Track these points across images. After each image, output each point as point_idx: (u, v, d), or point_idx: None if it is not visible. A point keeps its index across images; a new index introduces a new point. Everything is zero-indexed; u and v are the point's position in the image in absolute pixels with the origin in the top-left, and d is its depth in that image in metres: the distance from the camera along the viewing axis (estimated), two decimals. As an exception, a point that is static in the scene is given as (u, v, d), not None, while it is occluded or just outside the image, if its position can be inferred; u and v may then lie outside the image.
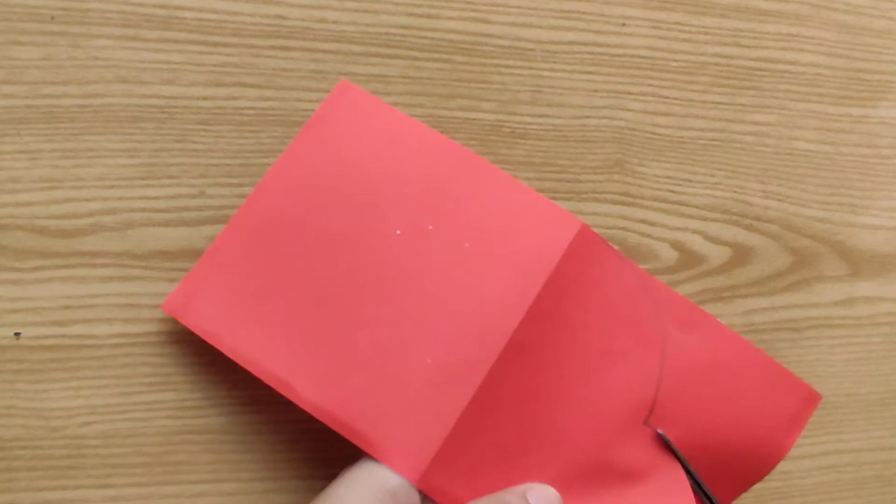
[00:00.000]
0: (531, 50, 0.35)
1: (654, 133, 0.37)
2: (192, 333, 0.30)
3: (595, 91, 0.36)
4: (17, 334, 0.29)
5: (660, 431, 0.31)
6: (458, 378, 0.29)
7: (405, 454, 0.28)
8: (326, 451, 0.32)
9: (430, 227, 0.31)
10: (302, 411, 0.29)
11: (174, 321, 0.31)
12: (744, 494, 0.36)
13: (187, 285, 0.30)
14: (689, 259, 0.37)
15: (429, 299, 0.30)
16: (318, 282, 0.30)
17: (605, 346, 0.31)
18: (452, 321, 0.30)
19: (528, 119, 0.35)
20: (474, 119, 0.34)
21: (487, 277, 0.30)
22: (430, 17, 0.34)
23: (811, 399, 0.33)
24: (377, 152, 0.31)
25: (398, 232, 0.31)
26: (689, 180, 0.37)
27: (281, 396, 0.29)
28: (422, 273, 0.30)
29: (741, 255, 0.37)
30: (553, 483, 0.30)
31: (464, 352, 0.30)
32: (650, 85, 0.37)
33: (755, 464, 0.32)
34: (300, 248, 0.30)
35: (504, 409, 0.30)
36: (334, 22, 0.33)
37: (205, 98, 0.31)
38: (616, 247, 0.36)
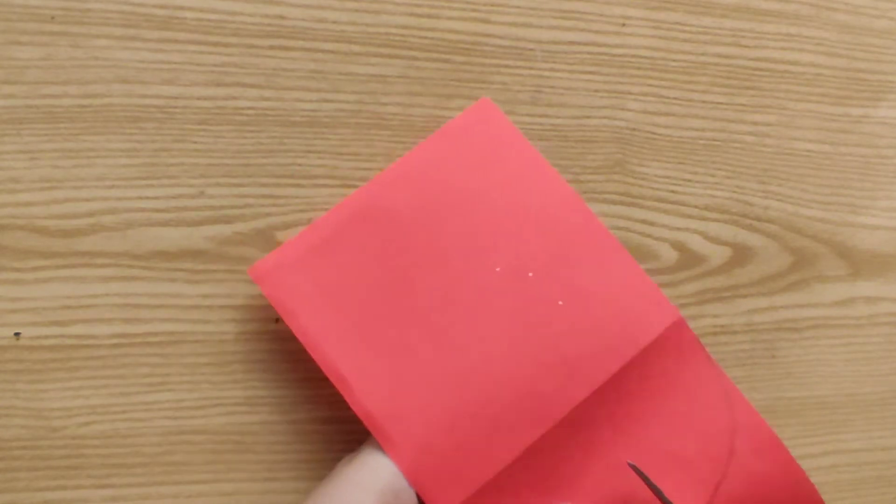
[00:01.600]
0: (531, 50, 0.35)
1: (654, 133, 0.37)
2: (191, 334, 0.30)
3: (595, 91, 0.36)
4: (17, 334, 0.29)
5: (630, 463, 0.30)
6: (509, 435, 0.29)
7: (442, 488, 0.29)
8: (324, 451, 0.32)
9: (531, 273, 0.30)
10: (300, 411, 0.29)
11: (174, 321, 0.31)
12: (744, 494, 0.36)
13: (280, 255, 0.29)
14: (689, 259, 0.37)
15: (509, 346, 0.30)
16: (409, 292, 0.30)
17: (668, 447, 0.30)
18: (524, 375, 0.30)
19: (528, 119, 0.35)
20: (474, 119, 0.34)
21: (570, 342, 0.30)
22: (430, 17, 0.34)
23: None
24: (502, 183, 0.31)
25: (498, 269, 0.30)
26: (689, 180, 0.37)
27: (280, 397, 0.29)
28: (510, 317, 0.30)
29: (741, 255, 0.37)
30: None
31: (524, 410, 0.29)
32: (650, 85, 0.37)
33: None
34: (401, 252, 0.30)
35: (540, 477, 0.30)
36: (334, 22, 0.33)
37: (205, 98, 0.31)
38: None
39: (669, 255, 0.36)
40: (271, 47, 0.32)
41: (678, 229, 0.37)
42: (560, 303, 0.30)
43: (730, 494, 0.30)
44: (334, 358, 0.29)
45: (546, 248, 0.30)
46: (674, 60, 0.37)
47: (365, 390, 0.29)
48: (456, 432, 0.29)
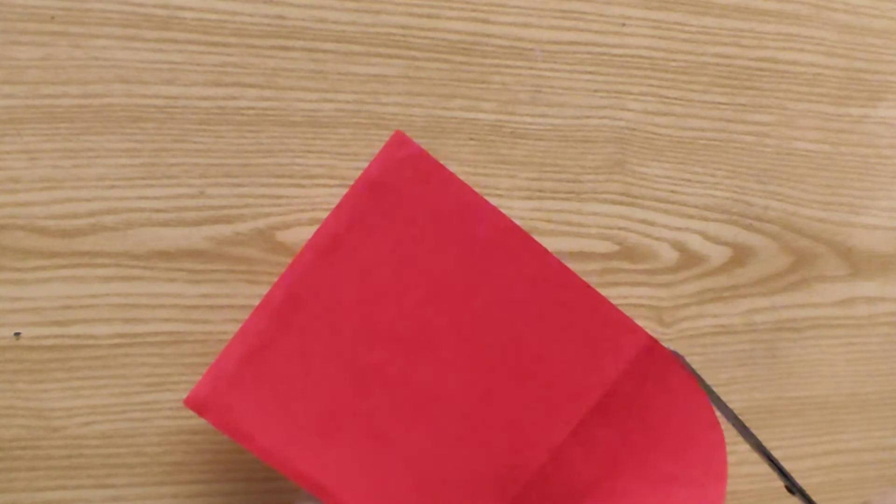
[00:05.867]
0: (531, 50, 0.35)
1: (654, 133, 0.37)
2: (191, 334, 0.30)
3: (595, 91, 0.36)
4: (17, 334, 0.29)
5: (676, 352, 0.29)
6: (492, 490, 0.28)
7: None
8: (326, 451, 0.32)
9: (488, 326, 0.28)
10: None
11: (174, 321, 0.31)
12: (745, 495, 0.36)
13: (215, 377, 0.26)
14: (689, 259, 0.37)
15: (476, 408, 0.28)
16: (363, 374, 0.27)
17: (669, 471, 0.29)
18: (494, 434, 0.28)
19: (528, 119, 0.35)
20: (474, 119, 0.34)
21: (536, 389, 0.28)
22: (430, 17, 0.34)
23: None
24: (441, 232, 0.28)
25: (452, 328, 0.28)
26: (689, 180, 0.37)
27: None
28: (472, 377, 0.28)
29: (741, 255, 0.37)
30: None
31: (502, 465, 0.28)
32: (650, 85, 0.37)
33: None
34: (343, 335, 0.27)
35: None
36: (334, 22, 0.33)
37: (205, 98, 0.31)
38: (615, 246, 0.36)
39: (669, 255, 0.36)
40: (271, 47, 0.32)
41: (678, 229, 0.37)
42: (521, 352, 0.28)
43: None
44: (307, 469, 0.26)
45: (497, 299, 0.28)
46: (674, 60, 0.37)
47: (346, 491, 0.27)
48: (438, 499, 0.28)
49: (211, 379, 0.26)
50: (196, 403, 0.26)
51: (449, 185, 0.28)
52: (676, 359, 0.29)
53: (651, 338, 0.29)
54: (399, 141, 0.28)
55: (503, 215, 0.28)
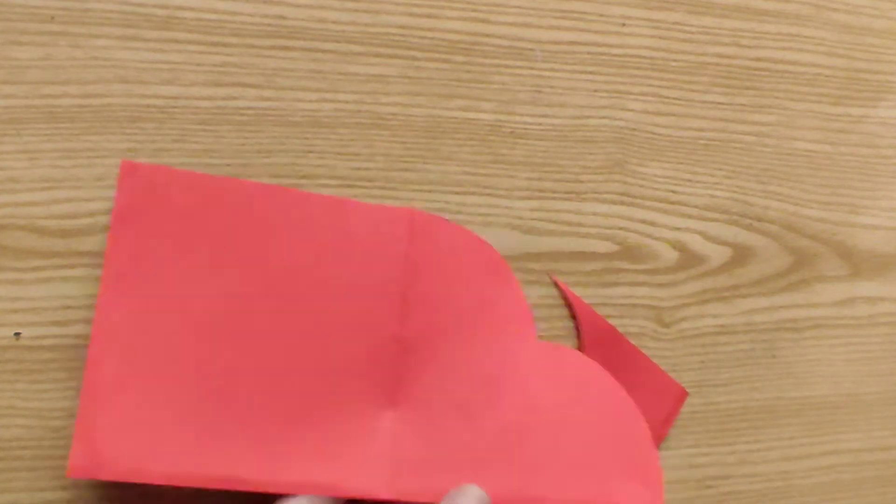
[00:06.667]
0: (531, 50, 0.35)
1: (654, 133, 0.37)
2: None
3: (595, 91, 0.36)
4: (17, 334, 0.29)
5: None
6: (366, 391, 0.31)
7: (366, 474, 0.30)
8: (326, 451, 0.32)
9: (275, 275, 0.30)
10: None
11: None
12: (744, 495, 0.36)
13: (85, 439, 0.28)
14: (689, 259, 0.37)
15: (314, 340, 0.30)
16: (203, 369, 0.29)
17: (472, 303, 0.32)
18: (339, 351, 0.31)
19: (528, 119, 0.35)
20: (474, 119, 0.34)
21: (348, 304, 0.31)
22: (430, 17, 0.34)
23: None
24: (212, 227, 0.30)
25: (249, 291, 0.30)
26: (689, 180, 0.37)
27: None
28: (290, 323, 0.30)
29: (741, 255, 0.37)
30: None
31: (361, 368, 0.31)
32: (650, 85, 0.37)
33: None
34: (168, 348, 0.29)
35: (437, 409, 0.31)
36: (334, 22, 0.33)
37: (205, 98, 0.31)
38: (615, 246, 0.36)
39: (669, 255, 0.36)
40: (271, 47, 0.32)
41: (678, 229, 0.37)
42: (313, 282, 0.31)
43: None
44: (212, 469, 0.28)
45: (268, 246, 0.30)
46: (674, 60, 0.37)
47: (256, 472, 0.29)
48: (330, 426, 0.30)
49: (82, 442, 0.27)
50: (83, 471, 0.27)
51: (195, 182, 0.30)
52: (436, 217, 0.33)
53: (409, 210, 0.32)
54: (128, 169, 0.29)
55: (256, 184, 0.31)
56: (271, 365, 0.30)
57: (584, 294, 0.35)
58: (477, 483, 0.31)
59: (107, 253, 0.29)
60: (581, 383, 0.33)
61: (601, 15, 0.36)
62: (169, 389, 0.29)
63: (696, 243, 0.37)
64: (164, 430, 0.28)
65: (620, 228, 0.36)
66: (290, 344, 0.30)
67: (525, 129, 0.35)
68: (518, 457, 0.32)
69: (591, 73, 0.36)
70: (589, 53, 0.36)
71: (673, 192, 0.37)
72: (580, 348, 0.34)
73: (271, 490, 0.29)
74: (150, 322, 0.29)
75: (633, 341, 0.36)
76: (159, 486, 0.30)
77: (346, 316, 0.31)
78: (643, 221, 0.36)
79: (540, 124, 0.35)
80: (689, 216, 0.37)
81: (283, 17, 0.32)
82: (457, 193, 0.34)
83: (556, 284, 0.34)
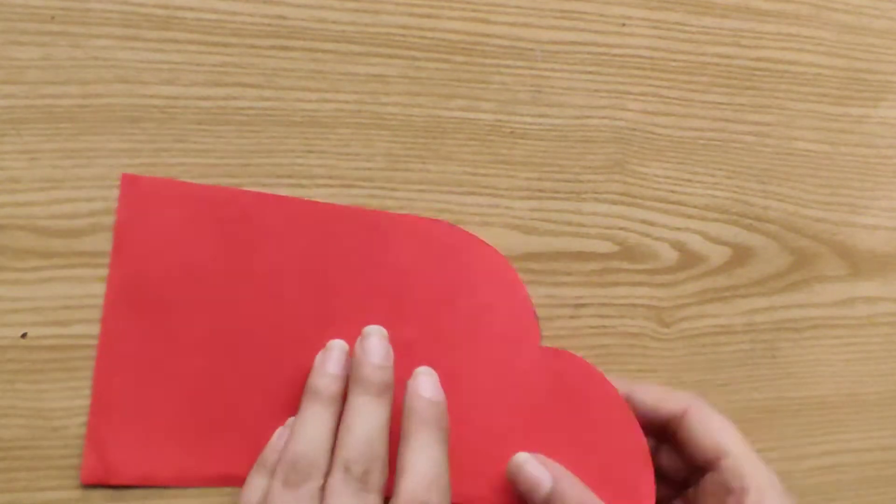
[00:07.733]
0: (531, 50, 0.35)
1: (654, 133, 0.37)
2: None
3: (595, 91, 0.36)
4: (24, 335, 0.29)
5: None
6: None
7: None
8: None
9: (273, 281, 0.31)
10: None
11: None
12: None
13: (96, 448, 0.29)
14: (689, 259, 0.37)
15: (306, 346, 0.31)
16: (206, 375, 0.30)
17: (472, 303, 0.33)
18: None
19: (528, 119, 0.35)
20: (474, 119, 0.34)
21: (346, 309, 0.31)
22: (430, 17, 0.34)
23: None
24: (197, 233, 0.30)
25: (248, 298, 0.31)
26: (689, 180, 0.37)
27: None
28: (289, 328, 0.31)
29: (741, 255, 0.37)
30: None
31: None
32: (650, 85, 0.37)
33: None
34: (172, 355, 0.30)
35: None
36: (334, 22, 0.33)
37: (205, 98, 0.31)
38: (615, 246, 0.36)
39: (669, 255, 0.36)
40: (271, 47, 0.32)
41: (678, 229, 0.37)
42: (321, 286, 0.32)
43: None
44: (216, 470, 0.30)
45: (282, 254, 0.31)
46: (674, 60, 0.37)
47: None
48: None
49: (93, 450, 0.29)
50: (96, 477, 0.29)
51: (195, 192, 0.31)
52: (438, 221, 0.33)
53: (411, 216, 0.33)
54: (129, 182, 0.30)
55: (253, 192, 0.31)
56: (272, 369, 0.31)
57: (584, 294, 0.35)
58: (476, 484, 0.31)
59: (111, 265, 0.30)
60: (581, 392, 0.33)
61: (601, 15, 0.36)
62: (173, 396, 0.30)
63: (695, 243, 0.37)
64: (170, 435, 0.30)
65: (620, 228, 0.36)
66: (291, 348, 0.31)
67: (525, 129, 0.35)
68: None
69: (591, 73, 0.36)
70: (589, 53, 0.36)
71: (673, 192, 0.37)
72: None
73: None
74: (154, 331, 0.30)
75: (632, 341, 0.36)
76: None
77: (346, 320, 0.31)
78: (643, 221, 0.36)
79: (540, 124, 0.35)
80: (689, 216, 0.37)
81: (283, 17, 0.32)
82: (457, 193, 0.34)
83: None
